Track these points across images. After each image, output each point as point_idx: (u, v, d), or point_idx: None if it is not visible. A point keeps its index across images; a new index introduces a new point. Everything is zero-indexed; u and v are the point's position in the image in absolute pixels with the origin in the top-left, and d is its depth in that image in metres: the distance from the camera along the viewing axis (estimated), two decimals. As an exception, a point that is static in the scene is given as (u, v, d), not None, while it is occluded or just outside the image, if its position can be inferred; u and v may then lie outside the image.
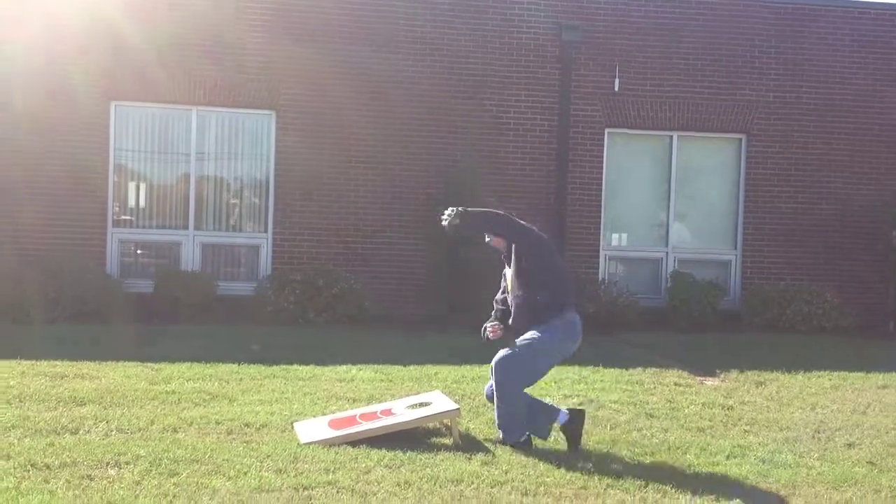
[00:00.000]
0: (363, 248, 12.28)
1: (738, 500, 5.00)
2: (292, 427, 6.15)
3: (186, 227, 12.20)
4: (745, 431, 6.69)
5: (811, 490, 5.31)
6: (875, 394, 8.25)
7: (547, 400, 6.45)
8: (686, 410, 7.27)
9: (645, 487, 5.18)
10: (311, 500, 4.74)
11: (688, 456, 5.90)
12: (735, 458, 5.92)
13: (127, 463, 5.20)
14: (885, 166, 13.28)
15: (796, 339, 11.33)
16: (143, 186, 12.34)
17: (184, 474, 5.03)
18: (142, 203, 12.31)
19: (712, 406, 7.46)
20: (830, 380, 8.76)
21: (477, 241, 11.74)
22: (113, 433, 5.87)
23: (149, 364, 8.07)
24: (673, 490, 5.17)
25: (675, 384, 8.31)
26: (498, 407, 5.97)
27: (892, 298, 13.02)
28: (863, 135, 13.24)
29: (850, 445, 6.40)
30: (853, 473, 5.66)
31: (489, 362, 8.17)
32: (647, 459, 5.79)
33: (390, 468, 5.33)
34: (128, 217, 12.22)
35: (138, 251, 12.30)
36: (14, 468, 5.03)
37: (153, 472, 5.04)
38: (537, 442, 5.97)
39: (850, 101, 13.20)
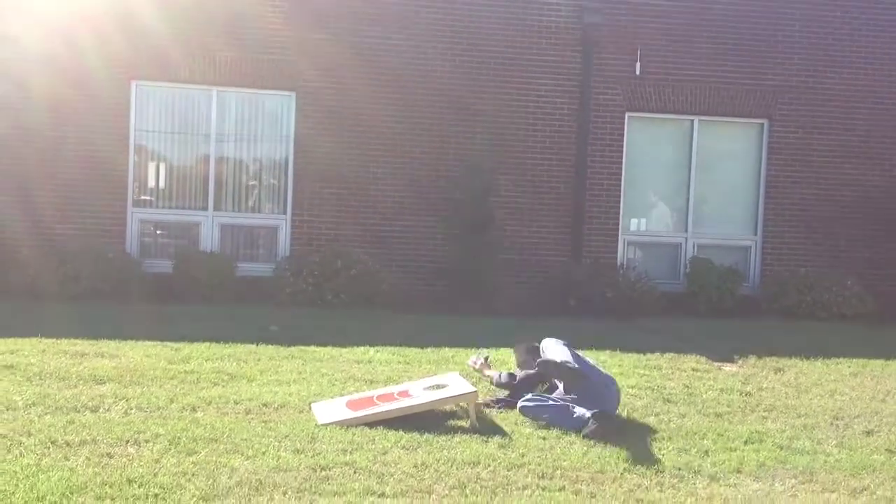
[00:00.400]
0: (381, 231, 12.28)
1: None
2: (310, 408, 6.17)
3: (206, 207, 12.23)
4: (763, 417, 6.66)
5: (829, 477, 5.29)
6: (895, 381, 8.21)
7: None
8: (704, 396, 7.25)
9: (662, 472, 5.18)
10: (328, 480, 4.76)
11: (705, 441, 5.88)
12: (753, 443, 5.90)
13: (146, 441, 5.24)
14: (907, 153, 13.18)
15: (816, 326, 11.27)
16: (162, 167, 12.38)
17: (202, 453, 5.07)
18: (161, 183, 12.35)
19: (730, 392, 7.43)
20: (849, 367, 8.71)
21: (493, 226, 11.85)
22: (132, 411, 5.92)
23: (168, 343, 8.11)
24: (690, 475, 5.16)
25: (693, 369, 8.28)
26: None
27: (913, 286, 12.92)
28: (885, 121, 13.12)
29: (868, 433, 6.37)
30: (871, 461, 5.63)
31: (505, 346, 8.22)
32: (665, 444, 5.78)
33: (407, 450, 5.35)
34: (147, 197, 12.27)
35: (158, 231, 12.34)
36: (35, 445, 5.07)
37: (172, 451, 5.08)
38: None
39: (871, 86, 13.07)
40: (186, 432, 5.41)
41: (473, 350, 8.35)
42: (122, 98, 11.85)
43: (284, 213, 12.32)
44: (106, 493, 4.42)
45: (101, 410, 5.90)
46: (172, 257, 11.75)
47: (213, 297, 11.04)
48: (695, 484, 5.05)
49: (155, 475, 4.66)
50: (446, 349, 8.51)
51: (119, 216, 11.91)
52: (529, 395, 6.26)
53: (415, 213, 12.31)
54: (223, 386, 6.75)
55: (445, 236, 12.17)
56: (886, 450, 5.93)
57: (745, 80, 12.88)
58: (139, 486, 4.51)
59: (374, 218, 12.27)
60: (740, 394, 7.39)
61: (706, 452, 5.62)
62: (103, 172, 11.76)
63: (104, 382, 6.64)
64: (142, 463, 4.86)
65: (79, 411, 5.84)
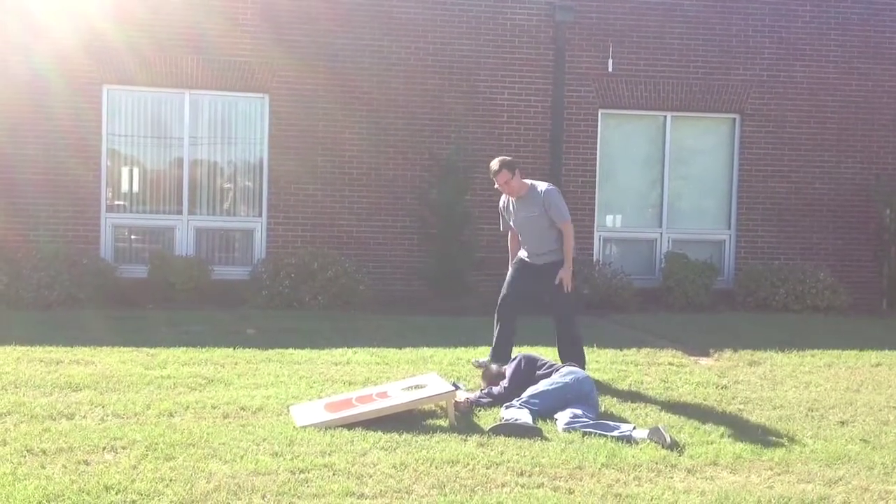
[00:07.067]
0: (357, 232, 12.26)
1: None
2: (288, 410, 6.16)
3: (180, 211, 12.16)
4: (739, 410, 6.72)
5: (804, 468, 5.34)
6: (868, 372, 8.30)
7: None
8: (680, 390, 7.31)
9: (639, 467, 5.21)
10: (307, 482, 4.76)
11: (682, 435, 5.92)
12: (729, 436, 5.95)
13: (123, 448, 5.21)
14: (876, 145, 13.30)
15: (790, 319, 11.38)
16: (136, 171, 12.30)
17: (180, 458, 5.05)
18: (135, 188, 12.27)
19: (706, 385, 7.49)
20: (824, 358, 8.81)
21: (469, 226, 11.88)
22: (109, 418, 5.89)
23: (144, 349, 8.07)
24: (667, 469, 5.20)
25: (669, 364, 8.34)
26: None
27: (884, 277, 13.05)
28: (854, 114, 13.24)
29: (843, 423, 6.44)
30: (846, 451, 5.69)
31: (483, 345, 8.23)
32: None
33: (386, 450, 5.35)
34: (121, 202, 12.18)
35: (132, 236, 12.26)
36: (10, 454, 5.04)
37: (149, 457, 5.06)
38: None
39: (841, 79, 13.19)
40: (163, 438, 5.38)
41: (450, 349, 8.37)
42: (93, 103, 11.76)
43: (260, 215, 12.28)
44: (83, 500, 4.39)
45: (77, 418, 5.87)
46: (147, 262, 11.68)
47: (189, 301, 11.00)
48: (672, 477, 5.09)
49: (132, 482, 4.64)
50: (424, 349, 8.52)
51: (93, 222, 11.82)
52: (568, 419, 6.00)
53: (390, 214, 12.31)
54: (200, 391, 6.73)
55: (421, 236, 12.18)
56: (861, 440, 6.00)
57: (717, 76, 12.96)
58: (116, 493, 4.49)
59: (350, 219, 12.25)
60: (716, 387, 7.46)
61: (684, 446, 5.66)
62: (76, 177, 11.66)
63: (80, 389, 6.60)
64: (119, 470, 4.84)
65: (55, 419, 5.81)
